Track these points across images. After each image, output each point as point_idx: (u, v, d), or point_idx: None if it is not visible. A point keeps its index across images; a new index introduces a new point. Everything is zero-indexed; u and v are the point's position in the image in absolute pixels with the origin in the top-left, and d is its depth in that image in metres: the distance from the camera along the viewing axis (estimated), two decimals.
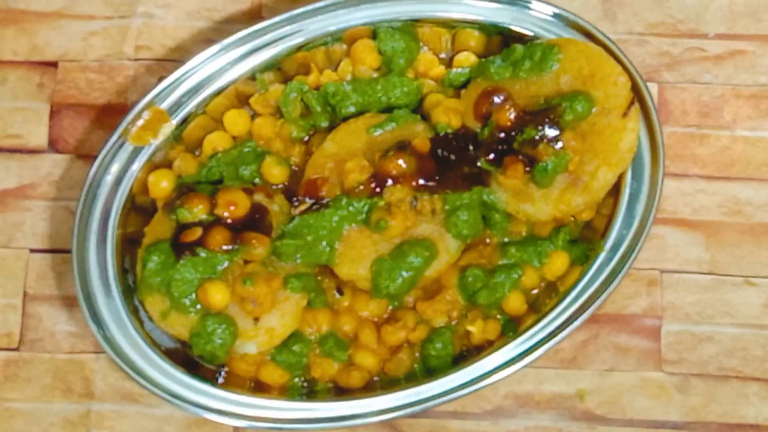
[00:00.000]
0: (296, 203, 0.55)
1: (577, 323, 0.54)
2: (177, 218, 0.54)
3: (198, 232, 0.53)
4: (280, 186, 0.57)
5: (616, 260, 0.55)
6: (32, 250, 0.60)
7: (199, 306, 0.53)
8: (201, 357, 0.54)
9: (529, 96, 0.55)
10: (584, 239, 0.56)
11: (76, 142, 0.62)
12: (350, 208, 0.54)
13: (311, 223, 0.54)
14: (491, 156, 0.54)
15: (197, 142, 0.58)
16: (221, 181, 0.57)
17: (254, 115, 0.58)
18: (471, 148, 0.55)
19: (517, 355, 0.54)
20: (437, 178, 0.54)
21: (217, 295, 0.52)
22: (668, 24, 0.63)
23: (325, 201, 0.54)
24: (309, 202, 0.54)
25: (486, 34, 0.58)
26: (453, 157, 0.55)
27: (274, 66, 0.58)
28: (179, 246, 0.53)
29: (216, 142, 0.57)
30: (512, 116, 0.54)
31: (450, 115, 0.56)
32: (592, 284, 0.55)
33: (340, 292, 0.56)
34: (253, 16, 0.63)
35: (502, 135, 0.54)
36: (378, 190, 0.54)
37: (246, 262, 0.53)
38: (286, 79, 0.58)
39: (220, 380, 0.55)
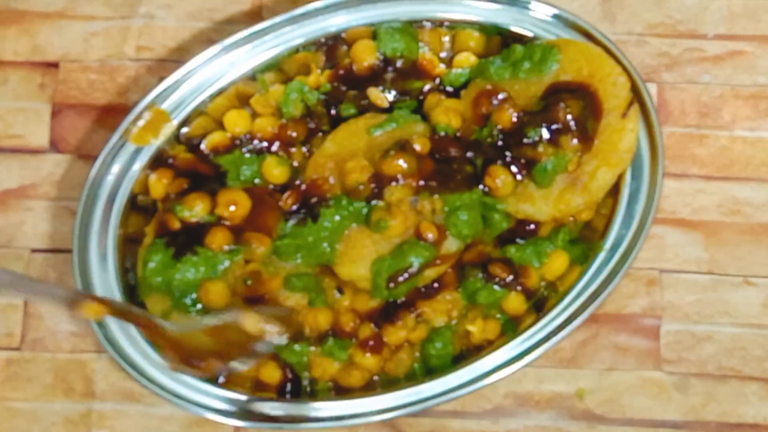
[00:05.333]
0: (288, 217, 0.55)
1: (576, 323, 0.54)
2: (176, 216, 0.54)
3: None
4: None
5: (615, 260, 0.55)
6: (33, 250, 0.60)
7: (199, 305, 0.53)
8: None
9: (529, 96, 0.55)
10: (584, 239, 0.57)
11: (78, 142, 0.62)
12: (351, 208, 0.54)
13: (311, 225, 0.54)
14: (485, 159, 0.55)
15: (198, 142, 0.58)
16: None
17: (255, 116, 0.58)
18: (470, 148, 0.55)
19: (517, 355, 0.54)
20: (437, 178, 0.54)
21: (218, 294, 0.52)
22: (667, 25, 0.63)
23: (315, 209, 0.54)
24: (301, 214, 0.55)
25: (486, 35, 0.58)
26: (453, 157, 0.55)
27: (275, 66, 0.58)
28: (179, 245, 0.53)
29: (217, 142, 0.57)
30: (512, 116, 0.55)
31: (450, 115, 0.56)
32: (592, 284, 0.55)
33: (341, 291, 0.56)
34: (254, 16, 0.63)
35: (502, 135, 0.55)
36: (378, 190, 0.54)
37: (247, 261, 0.54)
38: (286, 80, 0.58)
39: (221, 380, 0.55)
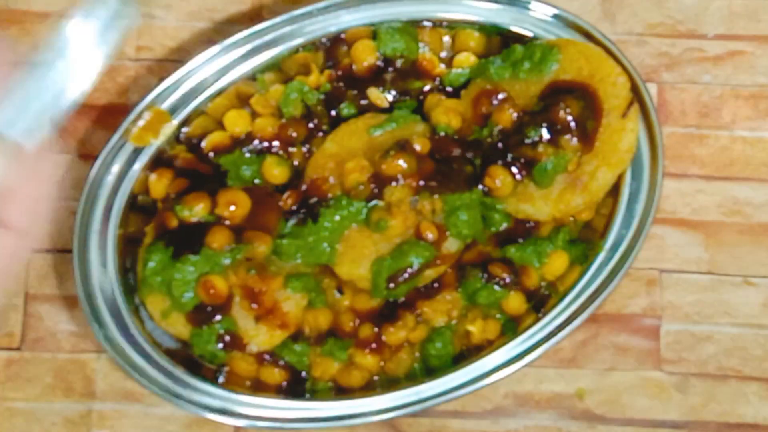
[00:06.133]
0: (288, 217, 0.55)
1: (576, 323, 0.54)
2: (176, 216, 0.54)
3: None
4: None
5: (615, 260, 0.55)
6: (33, 250, 0.60)
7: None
8: (201, 356, 0.54)
9: (529, 96, 0.55)
10: (584, 239, 0.57)
11: (78, 142, 0.62)
12: (351, 208, 0.54)
13: (311, 225, 0.54)
14: (485, 159, 0.55)
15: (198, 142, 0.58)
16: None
17: (255, 116, 0.58)
18: (470, 148, 0.55)
19: (517, 355, 0.54)
20: (437, 178, 0.54)
21: (219, 286, 0.52)
22: (667, 25, 0.63)
23: (315, 210, 0.54)
24: (300, 214, 0.55)
25: (486, 35, 0.58)
26: (453, 157, 0.55)
27: (275, 66, 0.58)
28: (179, 245, 0.53)
29: (217, 142, 0.57)
30: (512, 116, 0.55)
31: (450, 115, 0.56)
32: (592, 284, 0.55)
33: (341, 291, 0.56)
34: (254, 16, 0.63)
35: (502, 135, 0.55)
36: (378, 190, 0.54)
37: (248, 260, 0.54)
38: (286, 80, 0.58)
39: (221, 380, 0.55)
